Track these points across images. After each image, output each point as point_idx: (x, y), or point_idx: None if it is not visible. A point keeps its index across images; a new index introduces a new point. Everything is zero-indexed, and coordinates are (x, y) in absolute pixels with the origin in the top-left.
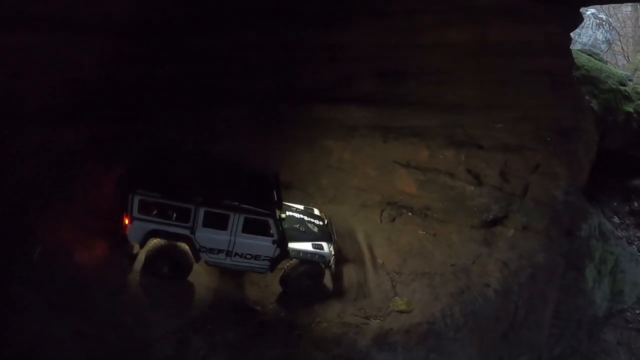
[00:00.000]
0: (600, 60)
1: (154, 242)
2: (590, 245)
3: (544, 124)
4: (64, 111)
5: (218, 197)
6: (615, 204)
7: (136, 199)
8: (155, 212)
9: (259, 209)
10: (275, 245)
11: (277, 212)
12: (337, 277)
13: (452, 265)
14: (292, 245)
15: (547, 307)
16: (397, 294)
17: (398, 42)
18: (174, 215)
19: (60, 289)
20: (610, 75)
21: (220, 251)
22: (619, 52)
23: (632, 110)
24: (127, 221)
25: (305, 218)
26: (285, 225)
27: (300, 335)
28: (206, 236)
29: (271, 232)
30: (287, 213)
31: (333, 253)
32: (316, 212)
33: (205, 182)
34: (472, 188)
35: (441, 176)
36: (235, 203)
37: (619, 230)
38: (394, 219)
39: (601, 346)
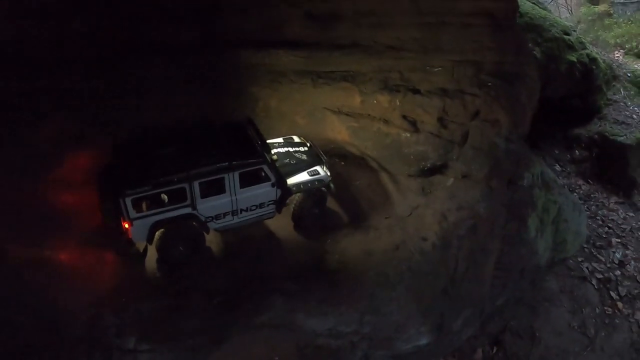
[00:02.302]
0: (545, 9)
1: (159, 232)
2: (532, 195)
3: (485, 69)
4: None
5: (206, 164)
6: (556, 152)
7: (128, 201)
8: (150, 204)
9: (250, 160)
10: (275, 187)
11: (267, 155)
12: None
13: (386, 218)
14: (290, 180)
15: (488, 259)
16: (328, 251)
17: None
18: (170, 199)
19: None
20: (554, 24)
21: (225, 214)
22: (562, 4)
23: (575, 60)
24: (127, 225)
25: (290, 149)
26: (277, 163)
27: (221, 302)
28: (208, 206)
29: (268, 176)
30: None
31: (329, 173)
32: (296, 139)
33: (186, 153)
34: (408, 135)
35: (375, 123)
36: (225, 163)
37: (560, 178)
38: None
39: (544, 294)
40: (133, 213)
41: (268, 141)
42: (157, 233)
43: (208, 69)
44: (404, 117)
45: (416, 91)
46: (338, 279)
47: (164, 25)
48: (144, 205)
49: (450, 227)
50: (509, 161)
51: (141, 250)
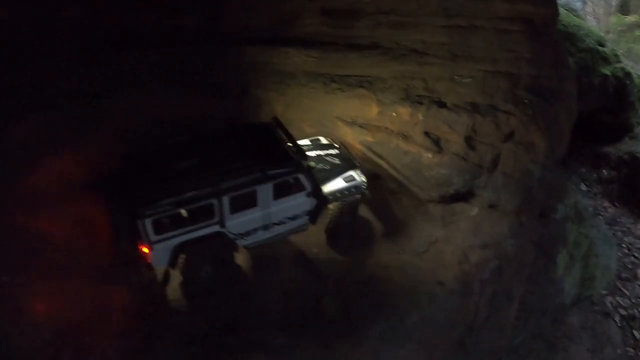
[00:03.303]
0: (578, 16)
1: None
2: (564, 229)
3: (521, 82)
4: None
5: (237, 176)
6: (583, 170)
7: (148, 223)
8: (173, 223)
9: (286, 168)
10: (311, 196)
11: (304, 162)
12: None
13: (400, 253)
14: (326, 188)
15: (512, 304)
16: (329, 293)
17: None
18: (196, 216)
19: None
20: (589, 34)
21: (256, 229)
22: (590, 13)
23: (609, 73)
24: (146, 249)
25: (321, 153)
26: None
27: (194, 353)
28: (238, 222)
29: (303, 185)
30: None
31: (364, 178)
32: (323, 140)
33: (211, 163)
34: (430, 155)
35: (393, 138)
36: (258, 173)
37: (586, 199)
38: None
39: (564, 330)
40: (153, 235)
41: None
42: (180, 255)
43: (208, 66)
44: (427, 134)
45: (442, 104)
46: (336, 331)
47: (164, 15)
48: (165, 226)
49: (472, 269)
50: (542, 191)
51: (161, 277)
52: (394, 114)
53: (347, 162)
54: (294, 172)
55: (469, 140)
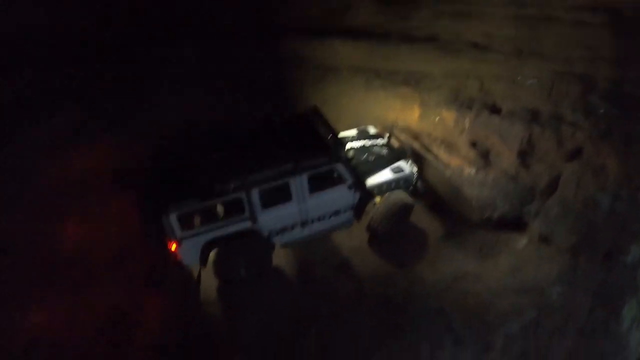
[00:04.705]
0: None
1: (213, 252)
2: (636, 275)
3: (597, 87)
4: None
5: (266, 167)
6: None
7: (173, 218)
8: (201, 219)
9: (320, 159)
10: (353, 189)
11: (341, 151)
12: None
13: (409, 287)
14: (370, 180)
15: None
16: (307, 343)
17: None
18: (225, 211)
19: None
20: None
21: (293, 226)
22: None
23: None
24: (173, 246)
25: (368, 143)
26: (353, 161)
27: None
28: (271, 217)
29: (343, 177)
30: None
31: (415, 170)
32: (371, 130)
33: (241, 156)
34: (474, 172)
35: (434, 147)
36: (289, 164)
37: None
38: None
39: None
40: (179, 232)
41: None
42: (211, 253)
43: (246, 60)
44: (473, 144)
45: (495, 110)
46: None
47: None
48: (193, 221)
49: (496, 318)
50: (610, 227)
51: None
52: (438, 118)
53: (396, 152)
54: (329, 162)
55: (523, 156)
